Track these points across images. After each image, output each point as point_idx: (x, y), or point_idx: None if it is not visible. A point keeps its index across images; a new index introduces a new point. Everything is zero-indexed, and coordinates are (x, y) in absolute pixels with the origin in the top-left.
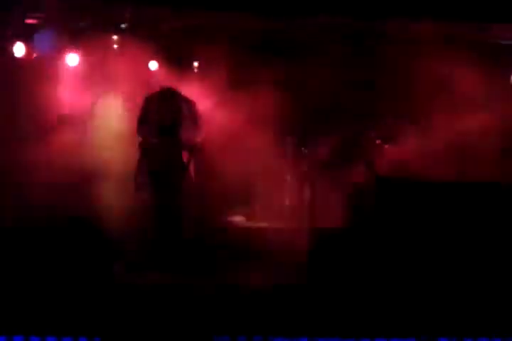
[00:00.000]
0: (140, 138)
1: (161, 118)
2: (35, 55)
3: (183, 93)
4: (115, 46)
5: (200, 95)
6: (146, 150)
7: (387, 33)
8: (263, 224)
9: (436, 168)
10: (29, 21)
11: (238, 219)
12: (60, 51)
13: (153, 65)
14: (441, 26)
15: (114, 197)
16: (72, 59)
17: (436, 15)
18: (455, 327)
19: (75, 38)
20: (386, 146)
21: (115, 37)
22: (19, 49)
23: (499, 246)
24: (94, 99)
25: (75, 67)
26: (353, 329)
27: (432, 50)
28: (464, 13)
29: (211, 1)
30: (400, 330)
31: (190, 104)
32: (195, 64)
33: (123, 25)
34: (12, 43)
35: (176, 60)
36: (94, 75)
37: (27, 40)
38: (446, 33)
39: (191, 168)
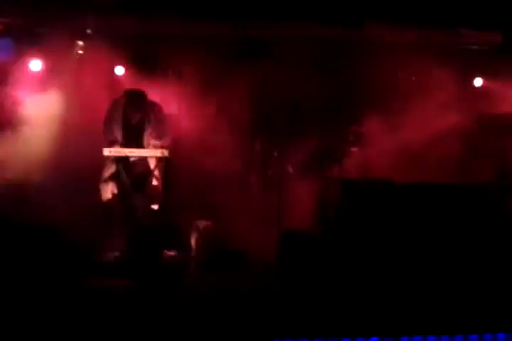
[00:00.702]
0: (106, 142)
1: (128, 122)
2: None
3: (149, 97)
4: (80, 52)
5: (167, 100)
6: (111, 157)
7: (360, 38)
8: (231, 228)
9: (402, 170)
10: None
11: (205, 223)
12: (22, 56)
13: (120, 71)
14: (414, 32)
15: (73, 200)
16: (35, 64)
17: (409, 21)
18: (427, 324)
19: (38, 44)
20: (354, 149)
21: (80, 42)
22: None
23: (463, 245)
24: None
25: (38, 73)
26: (320, 330)
27: (403, 55)
28: (435, 20)
29: (180, 9)
30: (364, 330)
31: (157, 108)
32: (163, 69)
33: (88, 31)
34: None
35: (143, 65)
36: (57, 81)
37: None
38: (419, 39)
39: (157, 172)
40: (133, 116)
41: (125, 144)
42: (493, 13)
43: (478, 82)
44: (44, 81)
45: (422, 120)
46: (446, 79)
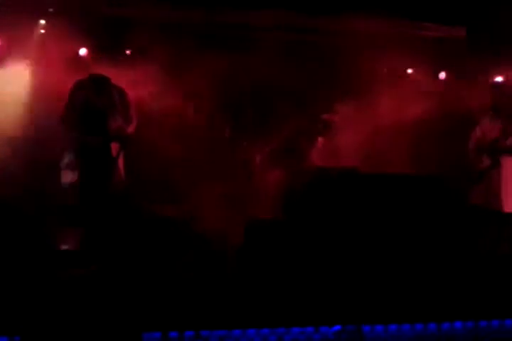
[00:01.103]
0: (67, 127)
1: (91, 106)
2: None
3: (114, 81)
4: (42, 31)
5: (134, 83)
6: (73, 140)
7: (328, 27)
8: (198, 215)
9: (369, 160)
10: None
11: (171, 209)
12: None
13: (83, 52)
14: (378, 22)
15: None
16: None
17: (374, 12)
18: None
19: None
20: (320, 138)
21: (42, 21)
22: None
23: (429, 237)
24: None
25: None
26: (284, 318)
27: (369, 45)
28: (401, 13)
29: None
30: (327, 318)
31: (121, 92)
32: (129, 51)
33: (51, 10)
34: None
35: (109, 46)
36: (18, 60)
37: None
38: (383, 29)
39: (121, 159)
40: (96, 101)
41: (87, 129)
42: (458, 7)
43: (442, 75)
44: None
45: (387, 111)
46: (411, 71)
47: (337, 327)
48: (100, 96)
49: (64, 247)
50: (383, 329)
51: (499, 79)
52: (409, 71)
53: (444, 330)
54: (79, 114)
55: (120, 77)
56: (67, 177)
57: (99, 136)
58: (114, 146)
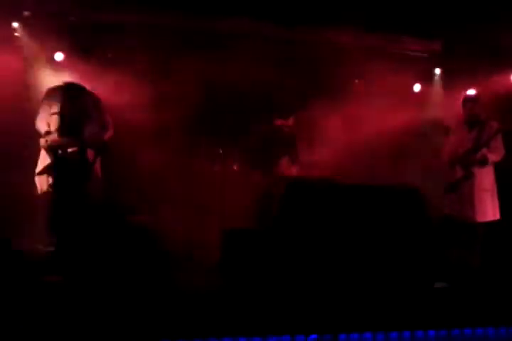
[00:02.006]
0: (41, 134)
1: (65, 112)
2: None
3: (88, 87)
4: (16, 34)
5: (109, 90)
6: (47, 149)
7: (306, 38)
8: (173, 224)
9: (346, 170)
10: None
11: (147, 218)
12: None
13: (59, 56)
14: (358, 36)
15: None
16: None
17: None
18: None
19: None
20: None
21: (16, 24)
22: None
23: (403, 247)
24: None
25: None
26: (261, 327)
27: (346, 57)
28: (377, 26)
29: None
30: (304, 327)
31: (95, 99)
32: (106, 56)
33: (26, 13)
34: None
35: (84, 51)
36: None
37: None
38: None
39: (97, 167)
40: (70, 108)
41: (62, 136)
42: (434, 21)
43: (417, 87)
44: None
45: (364, 123)
46: (387, 83)
47: (314, 336)
48: (74, 103)
49: (37, 253)
50: (358, 338)
51: (472, 92)
52: (385, 83)
53: (418, 338)
54: (51, 120)
55: (95, 82)
56: (43, 183)
57: (75, 142)
58: (91, 153)
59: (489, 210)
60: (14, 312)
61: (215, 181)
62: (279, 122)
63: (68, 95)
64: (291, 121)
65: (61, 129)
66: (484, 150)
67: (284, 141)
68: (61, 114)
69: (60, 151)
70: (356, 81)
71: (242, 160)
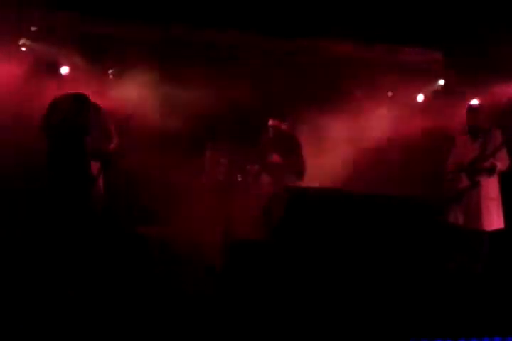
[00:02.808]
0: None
1: (67, 125)
2: None
3: (93, 100)
4: (23, 49)
5: (115, 103)
6: (50, 160)
7: (304, 50)
8: (179, 235)
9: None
10: None
11: (153, 230)
12: None
13: (64, 70)
14: (357, 47)
15: None
16: None
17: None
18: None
19: None
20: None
21: (24, 40)
22: None
23: (409, 256)
24: None
25: None
26: (263, 338)
27: (348, 68)
28: (378, 37)
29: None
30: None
31: (101, 111)
32: (111, 70)
33: (33, 28)
34: None
35: (90, 65)
36: None
37: None
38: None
39: (101, 179)
40: (75, 119)
41: (66, 147)
42: (434, 32)
43: (420, 97)
44: None
45: (365, 132)
46: (390, 94)
47: None
48: (79, 114)
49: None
50: None
51: (475, 101)
52: (388, 93)
53: None
54: (55, 133)
55: (98, 94)
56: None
57: (79, 154)
58: (95, 165)
59: (495, 219)
60: None
61: (220, 192)
62: (271, 122)
63: (72, 106)
64: (285, 125)
65: (64, 140)
66: (492, 159)
67: (282, 142)
68: (64, 126)
69: (64, 165)
70: (358, 92)
71: (246, 170)
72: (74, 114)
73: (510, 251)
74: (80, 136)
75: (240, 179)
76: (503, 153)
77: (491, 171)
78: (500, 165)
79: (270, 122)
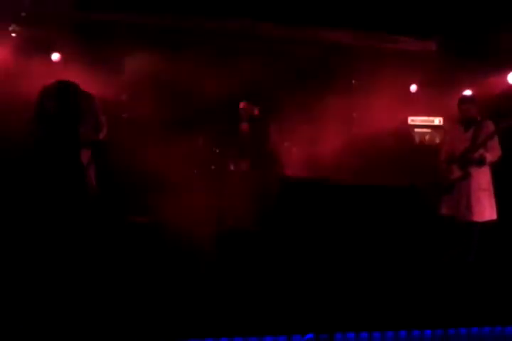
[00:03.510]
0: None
1: (58, 112)
2: None
3: (83, 87)
4: (13, 35)
5: (106, 89)
6: (41, 147)
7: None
8: (170, 225)
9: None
10: None
11: (143, 219)
12: None
13: (55, 56)
14: (355, 35)
15: None
16: None
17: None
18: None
19: None
20: (294, 148)
21: (14, 26)
22: None
23: (400, 246)
24: None
25: None
26: (257, 327)
27: (343, 57)
28: (374, 26)
29: None
30: (300, 327)
31: (90, 98)
32: (98, 57)
33: (23, 14)
34: None
35: (80, 51)
36: None
37: None
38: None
39: (92, 167)
40: (64, 107)
41: (56, 135)
42: (429, 22)
43: (413, 87)
44: None
45: (358, 122)
46: (382, 83)
47: (309, 336)
48: (68, 102)
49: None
50: (355, 337)
51: (468, 92)
52: (381, 82)
53: (415, 338)
54: (46, 121)
55: (90, 82)
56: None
57: (71, 142)
58: (85, 153)
59: (486, 210)
60: None
61: (213, 181)
62: (241, 105)
63: (61, 94)
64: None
65: (54, 128)
66: (482, 150)
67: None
68: (54, 114)
69: (54, 152)
70: (353, 81)
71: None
72: (65, 102)
73: (503, 241)
74: (72, 125)
75: (232, 168)
76: (495, 144)
77: (480, 162)
78: (490, 156)
79: (241, 105)
